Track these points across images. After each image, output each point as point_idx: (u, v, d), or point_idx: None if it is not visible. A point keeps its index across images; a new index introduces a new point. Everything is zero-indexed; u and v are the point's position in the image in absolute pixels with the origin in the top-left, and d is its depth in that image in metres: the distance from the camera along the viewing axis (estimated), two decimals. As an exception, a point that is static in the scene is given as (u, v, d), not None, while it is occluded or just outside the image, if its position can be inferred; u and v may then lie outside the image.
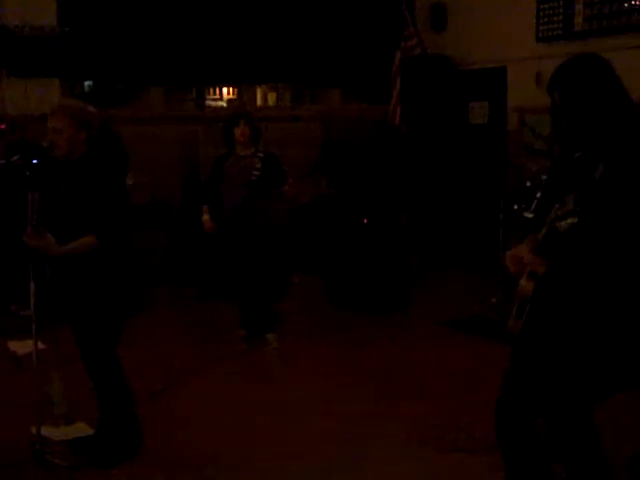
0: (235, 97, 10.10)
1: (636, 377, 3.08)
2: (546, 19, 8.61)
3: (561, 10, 8.43)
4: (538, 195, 5.97)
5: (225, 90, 10.11)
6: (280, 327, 6.65)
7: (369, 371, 5.84)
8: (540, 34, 8.68)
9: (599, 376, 3.02)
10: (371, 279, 7.51)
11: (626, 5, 7.74)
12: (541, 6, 8.67)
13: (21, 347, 5.77)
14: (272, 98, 10.49)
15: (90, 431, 4.46)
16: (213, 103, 10.11)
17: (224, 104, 10.09)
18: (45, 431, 4.27)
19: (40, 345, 4.28)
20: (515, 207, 6.82)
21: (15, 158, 4.16)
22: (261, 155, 6.37)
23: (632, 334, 2.95)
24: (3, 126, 7.57)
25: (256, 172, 6.28)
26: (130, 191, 4.56)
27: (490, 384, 3.44)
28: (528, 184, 6.67)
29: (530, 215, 3.14)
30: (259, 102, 10.29)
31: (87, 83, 9.23)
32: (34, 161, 4.03)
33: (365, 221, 7.61)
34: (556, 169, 3.19)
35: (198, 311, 7.54)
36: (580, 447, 3.08)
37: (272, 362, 6.17)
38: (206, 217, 6.40)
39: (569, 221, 2.80)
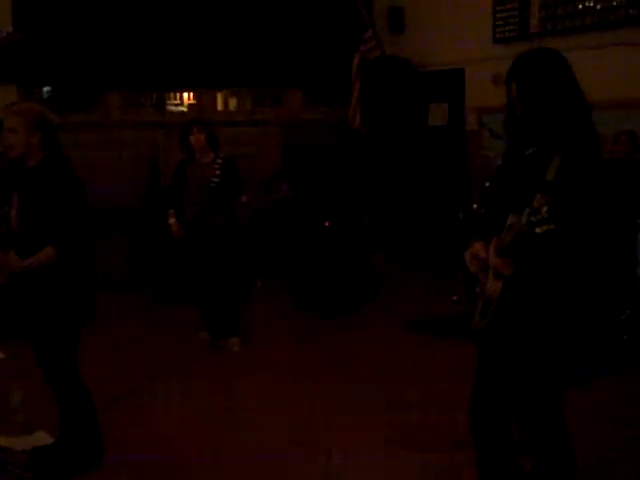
0: (196, 102, 10.05)
1: (596, 366, 3.16)
2: (502, 21, 8.72)
3: (517, 12, 8.54)
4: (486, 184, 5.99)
5: (185, 95, 10.06)
6: (244, 331, 6.62)
7: (335, 374, 5.83)
8: (497, 35, 8.78)
9: (564, 365, 3.06)
10: (334, 281, 7.54)
11: (580, 7, 7.85)
12: (497, 8, 8.78)
13: (-21, 356, 5.70)
14: (233, 102, 10.46)
15: (51, 440, 4.40)
16: (174, 108, 10.06)
17: (185, 109, 10.04)
18: (4, 441, 4.22)
19: (-1, 354, 4.24)
20: (475, 206, 6.88)
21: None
22: (220, 161, 6.37)
23: (593, 324, 3.00)
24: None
25: (215, 179, 6.29)
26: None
27: (454, 382, 3.47)
28: (487, 184, 6.72)
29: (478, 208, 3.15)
30: (220, 106, 10.26)
31: (46, 89, 9.14)
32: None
33: (327, 224, 7.62)
34: (507, 165, 3.20)
35: (160, 316, 7.48)
36: (549, 438, 3.12)
37: (235, 366, 6.12)
38: (173, 220, 6.39)
39: (545, 228, 2.80)
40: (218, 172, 6.30)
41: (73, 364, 4.15)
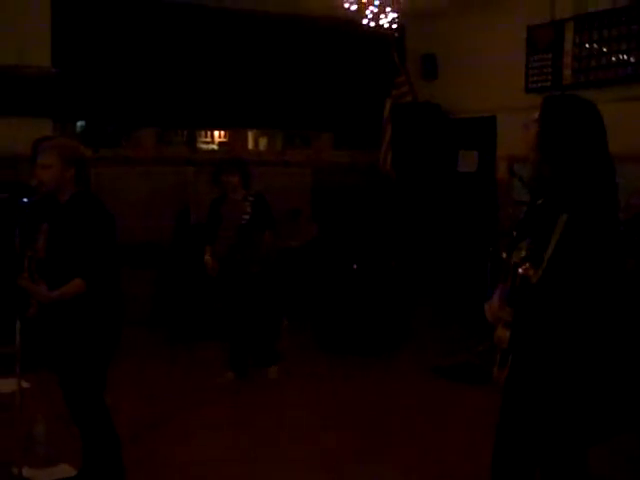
0: (226, 140, 10.15)
1: (622, 421, 3.07)
2: (536, 70, 8.75)
3: (550, 62, 8.57)
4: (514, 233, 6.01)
5: (217, 133, 10.16)
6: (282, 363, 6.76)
7: (356, 416, 5.80)
8: (530, 85, 8.80)
9: (588, 422, 3.01)
10: (360, 324, 7.51)
11: (613, 59, 7.87)
12: (530, 57, 8.81)
13: (4, 385, 5.70)
14: (263, 142, 10.54)
15: (73, 473, 4.39)
16: (205, 146, 10.16)
17: (215, 147, 10.13)
18: (27, 472, 4.22)
19: (24, 384, 4.24)
20: (504, 255, 6.83)
21: (4, 196, 4.15)
22: (251, 199, 6.44)
23: (616, 379, 2.96)
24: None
25: (246, 216, 6.38)
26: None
27: (477, 432, 3.43)
28: (514, 233, 6.69)
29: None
30: (250, 146, 10.35)
31: (79, 124, 9.26)
32: (24, 200, 4.03)
33: (355, 267, 7.61)
34: (528, 214, 3.19)
35: (184, 353, 7.48)
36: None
37: (257, 406, 6.10)
38: (208, 257, 6.44)
39: (526, 266, 2.82)
40: (249, 209, 6.37)
41: (100, 397, 4.15)
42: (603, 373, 2.97)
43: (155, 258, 8.57)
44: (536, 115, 3.03)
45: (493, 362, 3.14)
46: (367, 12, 9.19)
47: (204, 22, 9.29)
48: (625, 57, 7.76)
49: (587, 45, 8.15)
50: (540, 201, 3.06)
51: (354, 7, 8.14)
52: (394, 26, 9.56)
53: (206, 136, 10.17)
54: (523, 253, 2.92)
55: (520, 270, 2.88)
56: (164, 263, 8.60)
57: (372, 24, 9.42)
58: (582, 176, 2.88)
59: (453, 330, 8.24)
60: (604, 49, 7.97)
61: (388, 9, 9.21)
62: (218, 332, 7.19)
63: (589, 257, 2.80)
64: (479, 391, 6.01)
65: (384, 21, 9.38)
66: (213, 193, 6.81)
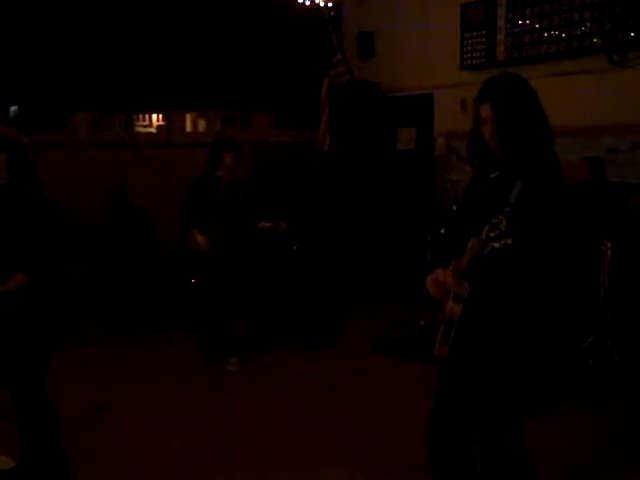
0: (164, 123, 10.05)
1: (560, 392, 3.15)
2: (470, 48, 8.85)
3: (484, 40, 8.68)
4: (454, 208, 6.11)
5: (155, 116, 10.05)
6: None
7: (302, 395, 5.83)
8: (464, 62, 8.91)
9: (525, 392, 3.07)
10: (302, 305, 7.52)
11: (545, 35, 7.99)
12: (465, 35, 8.90)
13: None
14: (202, 124, 10.46)
15: (12, 464, 4.32)
16: (142, 129, 10.05)
17: (153, 130, 10.03)
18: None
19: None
20: (442, 231, 6.92)
21: None
22: (242, 180, 6.55)
23: (555, 350, 3.02)
24: None
25: (240, 197, 6.44)
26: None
27: (419, 406, 3.47)
28: (454, 208, 6.77)
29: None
30: (189, 128, 10.26)
31: (12, 108, 9.07)
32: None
33: (295, 247, 7.63)
34: (473, 188, 3.23)
35: (125, 342, 7.41)
36: (510, 465, 3.11)
37: (205, 393, 6.07)
38: (202, 238, 6.32)
39: (502, 242, 2.85)
40: (241, 190, 6.44)
41: (42, 385, 4.10)
42: (546, 340, 3.03)
43: (93, 242, 8.46)
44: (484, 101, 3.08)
45: (436, 336, 3.16)
46: (303, -9, 9.22)
47: (140, 2, 9.16)
48: (556, 33, 7.89)
49: (520, 22, 8.26)
50: (494, 174, 3.09)
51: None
52: (330, 5, 9.60)
53: (144, 119, 10.05)
54: (503, 227, 2.92)
55: (496, 245, 2.89)
56: (102, 248, 8.49)
57: (308, 3, 9.44)
58: (535, 147, 2.96)
59: (395, 306, 8.31)
60: (536, 25, 8.09)
61: (324, -12, 9.26)
62: (160, 320, 7.15)
63: (547, 222, 2.86)
64: (422, 366, 6.09)
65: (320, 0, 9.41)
66: (152, 176, 6.70)
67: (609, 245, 5.86)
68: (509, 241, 2.79)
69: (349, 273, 8.75)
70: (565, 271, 2.97)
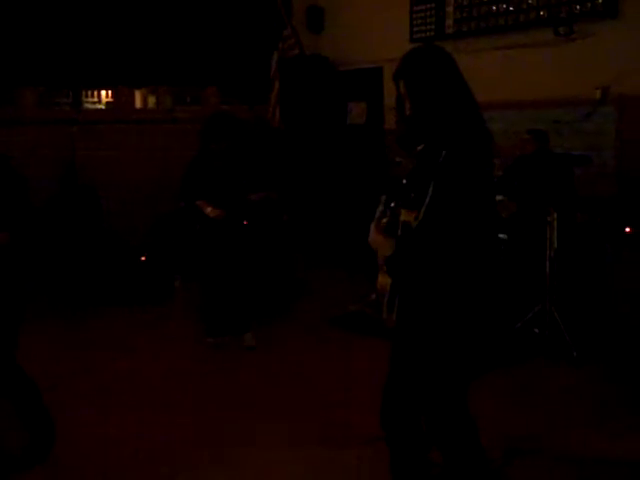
0: (113, 100, 9.92)
1: (499, 356, 3.19)
2: (419, 21, 8.85)
3: (433, 12, 8.69)
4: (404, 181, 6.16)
5: (103, 93, 9.92)
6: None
7: (252, 370, 5.85)
8: (414, 35, 8.91)
9: (463, 358, 3.11)
10: (254, 281, 7.49)
11: (494, 8, 8.02)
12: (414, 8, 8.91)
13: None
14: (152, 100, 10.35)
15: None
16: (91, 106, 9.91)
17: (102, 107, 9.90)
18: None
19: None
20: (392, 204, 6.94)
21: None
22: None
23: (488, 313, 3.07)
24: None
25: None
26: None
27: (371, 379, 3.50)
28: (404, 181, 6.79)
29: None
30: (138, 104, 10.15)
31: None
32: None
33: (245, 223, 7.58)
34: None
35: (72, 317, 7.36)
36: (455, 431, 3.16)
37: (152, 367, 6.05)
38: (211, 208, 6.21)
39: (402, 218, 2.91)
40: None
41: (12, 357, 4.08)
42: (477, 310, 3.07)
43: (42, 221, 8.33)
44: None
45: (381, 307, 3.19)
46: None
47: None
48: (504, 6, 7.92)
49: (468, -5, 8.29)
50: (420, 147, 3.11)
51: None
52: (280, -22, 9.52)
53: (92, 95, 9.91)
54: (381, 208, 3.01)
55: (383, 221, 2.96)
56: (50, 224, 8.36)
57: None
58: (454, 118, 2.97)
59: (349, 280, 8.34)
60: (484, -1, 8.13)
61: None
62: (106, 296, 7.09)
63: (462, 191, 2.89)
64: (373, 340, 6.13)
65: (269, -27, 9.33)
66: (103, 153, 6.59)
67: (555, 215, 5.94)
68: (408, 216, 2.86)
69: (301, 249, 8.75)
70: (483, 245, 3.01)
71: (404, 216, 2.98)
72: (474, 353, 3.12)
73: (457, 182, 2.87)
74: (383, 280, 3.07)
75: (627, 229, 5.93)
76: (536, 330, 5.93)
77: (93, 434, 4.65)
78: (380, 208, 3.08)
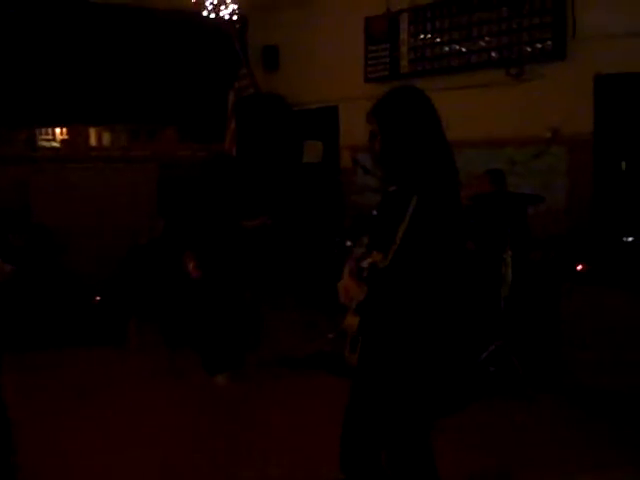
0: (68, 137, 9.87)
1: (461, 398, 3.19)
2: (374, 61, 8.97)
3: (388, 53, 8.81)
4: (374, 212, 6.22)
5: (58, 130, 9.86)
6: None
7: (205, 419, 5.76)
8: (368, 75, 9.02)
9: (425, 399, 3.12)
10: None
11: (447, 49, 8.17)
12: (369, 48, 9.02)
13: None
14: (107, 137, 10.31)
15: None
16: (46, 144, 9.84)
17: (57, 145, 9.84)
18: None
19: None
20: (349, 244, 6.99)
21: None
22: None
23: (451, 355, 3.09)
24: None
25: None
26: None
27: (331, 419, 3.48)
28: (375, 212, 6.81)
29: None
30: (93, 142, 10.10)
31: None
32: None
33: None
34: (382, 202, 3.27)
35: (25, 360, 7.23)
36: (415, 471, 3.16)
37: (109, 406, 5.97)
38: (193, 265, 6.39)
39: (369, 260, 2.93)
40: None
41: None
42: (440, 352, 3.09)
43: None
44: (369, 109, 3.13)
45: (344, 347, 3.19)
46: (207, 3, 9.18)
47: (41, 13, 8.98)
48: (457, 47, 8.07)
49: (422, 36, 8.43)
50: (392, 188, 3.14)
51: (194, -1, 8.10)
52: (235, 17, 9.59)
53: (47, 133, 9.85)
54: (363, 249, 3.02)
55: (363, 264, 2.97)
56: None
57: (213, 15, 9.42)
58: (425, 161, 2.99)
59: (304, 320, 8.31)
60: (437, 39, 8.27)
61: (228, 0, 9.24)
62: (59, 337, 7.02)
63: (432, 237, 2.91)
64: (332, 379, 6.11)
65: (225, 12, 9.39)
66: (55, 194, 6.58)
67: (510, 253, 6.02)
68: (376, 257, 2.88)
69: (254, 288, 8.71)
70: (448, 288, 3.03)
71: (367, 264, 2.99)
72: (439, 393, 3.13)
73: (427, 230, 2.89)
74: (351, 320, 3.07)
75: (579, 266, 6.01)
76: (492, 369, 5.96)
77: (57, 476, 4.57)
78: (361, 250, 3.06)
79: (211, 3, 9.19)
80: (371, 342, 3.08)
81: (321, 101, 9.64)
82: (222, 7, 9.26)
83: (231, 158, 6.61)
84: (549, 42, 7.27)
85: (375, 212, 6.41)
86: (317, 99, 9.67)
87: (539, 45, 7.36)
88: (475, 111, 7.73)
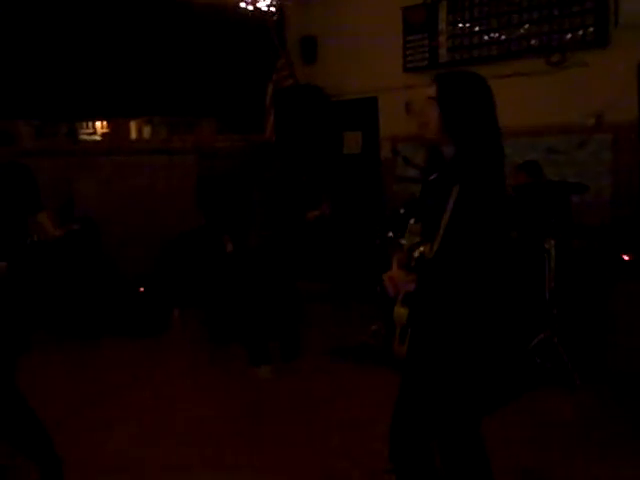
0: (109, 130, 9.96)
1: (513, 390, 3.18)
2: (412, 50, 8.93)
3: (426, 42, 8.77)
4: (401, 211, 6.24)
5: (99, 124, 9.96)
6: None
7: (257, 404, 5.83)
8: (407, 65, 8.99)
9: (478, 391, 3.12)
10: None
11: (486, 37, 8.12)
12: (407, 38, 8.99)
13: None
14: (147, 130, 10.39)
15: None
16: (87, 137, 9.94)
17: (98, 138, 9.94)
18: None
19: None
20: (390, 234, 6.98)
21: None
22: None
23: (503, 347, 3.08)
24: None
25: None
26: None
27: (379, 411, 3.49)
28: (402, 211, 6.84)
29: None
30: (133, 135, 10.19)
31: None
32: None
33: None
34: (422, 192, 3.26)
35: (74, 349, 7.34)
36: (468, 464, 3.15)
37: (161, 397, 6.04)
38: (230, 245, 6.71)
39: (420, 249, 2.93)
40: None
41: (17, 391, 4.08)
42: (493, 343, 3.09)
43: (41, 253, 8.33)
44: (430, 93, 3.09)
45: (392, 338, 3.19)
46: (245, -5, 9.23)
47: (81, 8, 9.06)
48: (496, 35, 8.02)
49: (460, 24, 8.38)
50: (433, 176, 3.13)
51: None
52: (272, 9, 9.61)
53: (88, 127, 9.95)
54: (417, 239, 3.00)
55: (415, 254, 2.96)
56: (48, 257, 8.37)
57: (251, 7, 9.45)
58: (480, 147, 2.98)
59: (346, 312, 8.33)
60: (476, 28, 8.21)
61: (266, -8, 9.27)
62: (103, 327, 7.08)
63: (478, 227, 2.90)
64: (377, 370, 6.14)
65: (262, 4, 9.42)
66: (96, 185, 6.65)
67: (553, 243, 5.98)
68: (424, 249, 2.88)
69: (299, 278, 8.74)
70: (497, 278, 3.02)
71: (418, 253, 2.99)
72: (490, 384, 3.13)
73: (470, 221, 2.88)
74: (400, 311, 3.08)
75: (625, 256, 5.96)
76: (538, 360, 5.93)
77: (100, 464, 4.65)
78: (414, 239, 3.04)
79: (249, -5, 9.24)
80: (421, 333, 3.08)
81: (360, 92, 9.62)
82: (260, -2, 9.31)
83: (278, 149, 6.66)
84: (591, 29, 7.20)
85: (402, 210, 6.43)
86: (356, 90, 9.66)
87: (581, 32, 7.29)
88: (515, 100, 7.64)
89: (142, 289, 7.98)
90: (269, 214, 6.40)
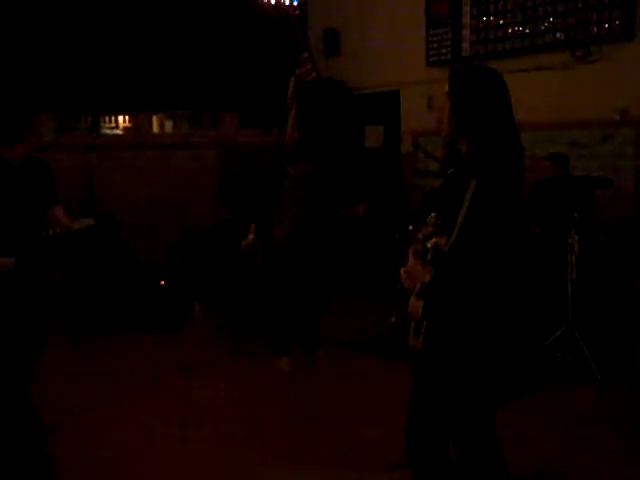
0: (131, 125, 10.00)
1: (527, 382, 3.14)
2: (435, 44, 8.88)
3: (449, 36, 8.71)
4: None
5: (121, 118, 10.00)
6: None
7: (275, 394, 5.83)
8: (430, 59, 8.93)
9: (491, 383, 3.09)
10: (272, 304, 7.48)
11: (510, 31, 8.05)
12: (430, 31, 8.93)
13: None
14: (169, 125, 10.43)
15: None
16: (109, 131, 9.99)
17: (120, 132, 9.98)
18: None
19: None
20: (410, 227, 6.92)
21: None
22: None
23: (518, 340, 3.04)
24: None
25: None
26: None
27: (393, 402, 3.47)
28: (422, 205, 6.79)
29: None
30: (156, 129, 10.22)
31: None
32: None
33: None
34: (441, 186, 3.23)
35: (96, 343, 7.36)
36: (483, 458, 3.13)
37: (178, 390, 6.04)
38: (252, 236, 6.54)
39: (433, 240, 2.90)
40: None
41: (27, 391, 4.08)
42: (507, 337, 3.05)
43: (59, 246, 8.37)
44: (446, 88, 3.06)
45: (408, 331, 3.17)
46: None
47: (99, 3, 9.08)
48: (520, 28, 7.94)
49: (484, 17, 8.31)
50: (451, 170, 3.10)
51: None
52: (295, 3, 9.60)
53: (110, 121, 9.99)
54: (430, 229, 2.98)
55: (428, 244, 2.94)
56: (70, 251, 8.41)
57: (273, 1, 9.44)
58: (493, 143, 2.94)
59: (366, 303, 8.31)
60: (500, 22, 8.14)
61: (288, -14, 9.25)
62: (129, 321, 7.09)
63: (495, 221, 2.87)
64: (392, 362, 6.11)
65: (285, -2, 9.40)
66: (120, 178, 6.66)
67: (576, 238, 5.92)
68: (440, 241, 2.85)
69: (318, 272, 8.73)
70: (512, 272, 2.98)
71: (431, 244, 2.97)
72: (504, 377, 3.10)
73: (486, 216, 2.85)
74: (415, 303, 3.05)
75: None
76: (559, 353, 5.88)
77: (114, 458, 4.66)
78: (428, 229, 3.02)
79: (272, -11, 9.22)
80: (436, 326, 3.05)
81: (382, 85, 9.58)
82: (282, -8, 9.29)
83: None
84: (617, 22, 7.11)
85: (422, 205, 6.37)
86: (378, 83, 9.62)
87: (606, 26, 7.20)
88: (539, 93, 7.60)
89: (163, 282, 7.99)
90: (296, 212, 6.36)
